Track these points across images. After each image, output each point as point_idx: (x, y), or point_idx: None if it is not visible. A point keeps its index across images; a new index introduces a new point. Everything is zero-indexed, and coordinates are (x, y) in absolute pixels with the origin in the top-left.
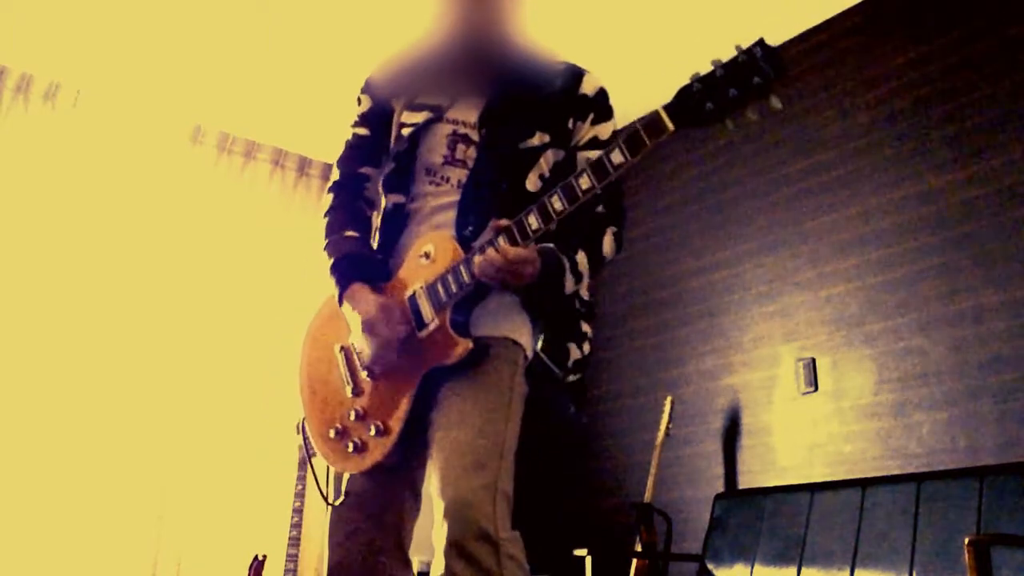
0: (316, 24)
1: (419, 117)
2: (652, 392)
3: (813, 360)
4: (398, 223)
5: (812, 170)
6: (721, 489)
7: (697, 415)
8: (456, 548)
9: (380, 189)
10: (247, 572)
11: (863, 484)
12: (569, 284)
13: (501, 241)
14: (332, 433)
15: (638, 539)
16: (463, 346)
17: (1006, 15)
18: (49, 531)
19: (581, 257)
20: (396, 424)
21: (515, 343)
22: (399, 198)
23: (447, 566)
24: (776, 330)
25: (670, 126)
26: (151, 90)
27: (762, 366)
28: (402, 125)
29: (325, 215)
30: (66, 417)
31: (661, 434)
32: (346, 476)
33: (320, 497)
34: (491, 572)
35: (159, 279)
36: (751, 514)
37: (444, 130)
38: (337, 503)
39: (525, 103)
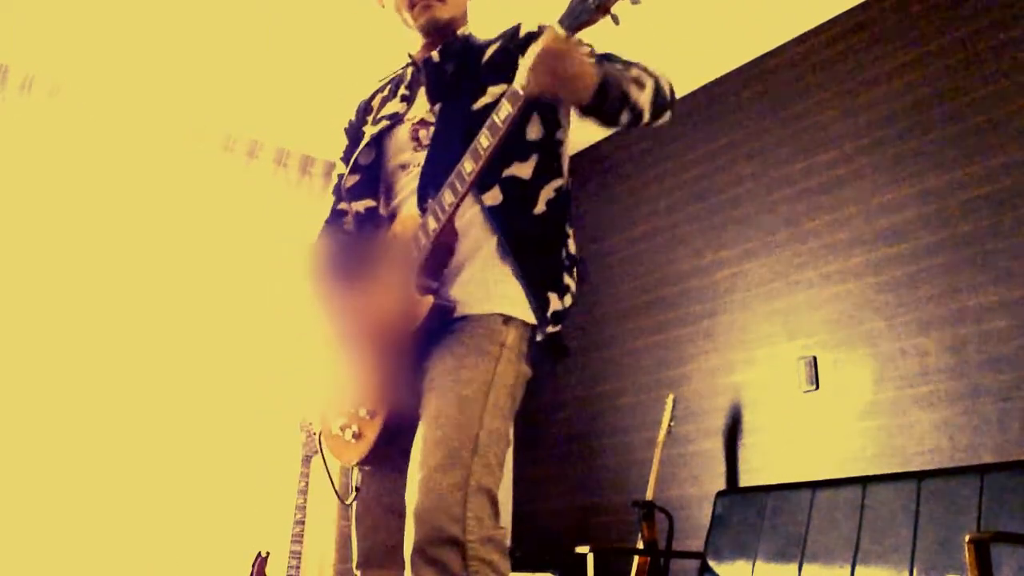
0: (318, 23)
1: (381, 126)
2: (654, 390)
3: (815, 358)
4: (375, 224)
5: (813, 170)
6: (723, 486)
7: (699, 413)
8: (421, 554)
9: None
10: (250, 569)
11: (864, 482)
12: (635, 90)
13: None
14: (336, 427)
15: (640, 536)
16: (424, 304)
17: (1006, 15)
18: (52, 528)
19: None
20: (383, 406)
21: (506, 319)
22: (370, 202)
23: (413, 572)
24: (778, 329)
25: (560, 32)
26: (154, 90)
27: (764, 364)
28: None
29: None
30: (69, 413)
31: (663, 432)
32: (355, 473)
33: (326, 494)
34: None
35: (161, 277)
36: (752, 511)
37: (405, 128)
38: (348, 501)
39: (471, 69)
